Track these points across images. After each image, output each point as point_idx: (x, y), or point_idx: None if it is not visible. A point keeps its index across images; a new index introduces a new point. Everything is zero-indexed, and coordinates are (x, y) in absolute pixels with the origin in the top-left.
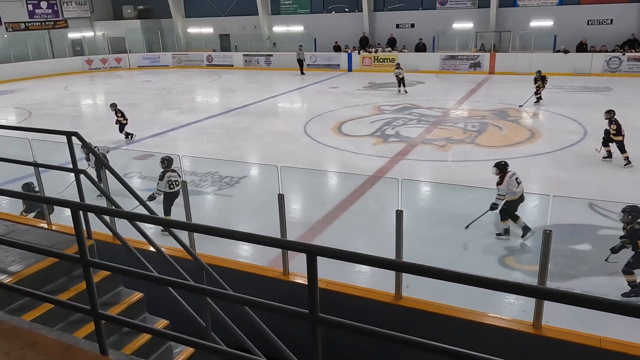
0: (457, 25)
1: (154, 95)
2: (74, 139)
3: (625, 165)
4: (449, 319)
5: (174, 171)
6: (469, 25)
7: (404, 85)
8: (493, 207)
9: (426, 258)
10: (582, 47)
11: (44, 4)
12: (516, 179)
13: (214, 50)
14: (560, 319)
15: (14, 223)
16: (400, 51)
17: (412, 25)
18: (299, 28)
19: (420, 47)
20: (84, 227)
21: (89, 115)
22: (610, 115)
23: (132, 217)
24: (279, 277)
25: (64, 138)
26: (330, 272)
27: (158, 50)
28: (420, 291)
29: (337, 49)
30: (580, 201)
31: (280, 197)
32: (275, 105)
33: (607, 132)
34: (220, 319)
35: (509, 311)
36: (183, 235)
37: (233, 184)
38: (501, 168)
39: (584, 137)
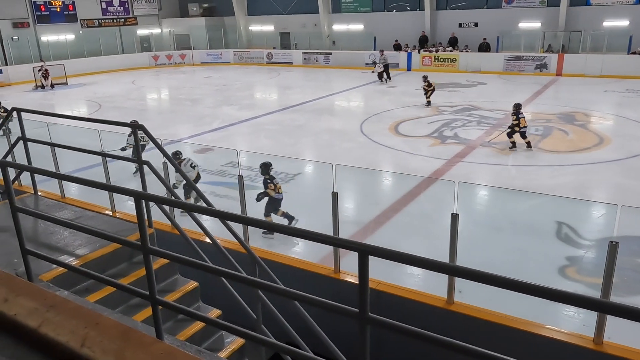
0: (524, 25)
1: (215, 91)
2: (140, 131)
3: (510, 148)
4: (503, 327)
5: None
6: (536, 24)
7: (388, 76)
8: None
9: (481, 264)
10: None
11: (116, 2)
12: (191, 164)
13: (274, 48)
14: (624, 336)
15: (82, 209)
16: (462, 51)
17: (476, 25)
18: (359, 26)
19: (484, 47)
20: (146, 216)
21: (154, 109)
22: (516, 109)
23: (190, 208)
24: (329, 275)
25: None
26: (381, 272)
27: (220, 47)
28: (473, 297)
29: (397, 47)
30: None
31: (334, 195)
32: (332, 104)
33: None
34: (270, 313)
35: (568, 324)
36: (237, 228)
37: (288, 180)
38: (177, 157)
39: None
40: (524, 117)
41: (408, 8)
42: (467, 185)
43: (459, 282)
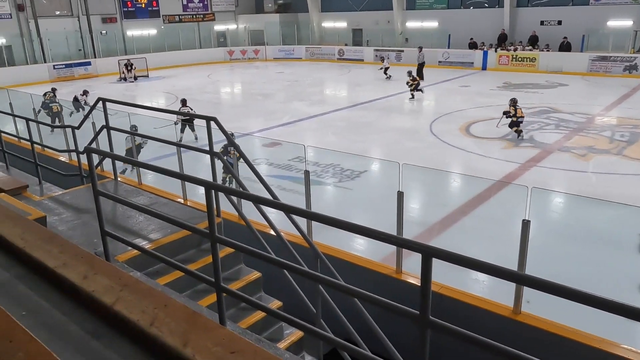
0: (613, 23)
1: (286, 86)
2: (213, 123)
3: (518, 137)
4: (573, 343)
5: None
6: (627, 22)
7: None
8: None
9: (553, 274)
10: None
11: None
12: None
13: (346, 45)
14: None
15: (157, 196)
16: (542, 50)
17: (559, 23)
18: (433, 24)
19: (564, 47)
20: (214, 206)
21: (227, 102)
22: (512, 102)
23: (257, 200)
24: (391, 275)
25: (203, 122)
26: (445, 275)
27: (293, 43)
28: (542, 309)
29: (472, 46)
30: None
31: (400, 195)
32: (402, 102)
33: (509, 115)
34: (330, 308)
35: None
36: (301, 222)
37: (353, 178)
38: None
39: None
40: (520, 108)
41: (486, 5)
42: (542, 191)
43: (528, 291)
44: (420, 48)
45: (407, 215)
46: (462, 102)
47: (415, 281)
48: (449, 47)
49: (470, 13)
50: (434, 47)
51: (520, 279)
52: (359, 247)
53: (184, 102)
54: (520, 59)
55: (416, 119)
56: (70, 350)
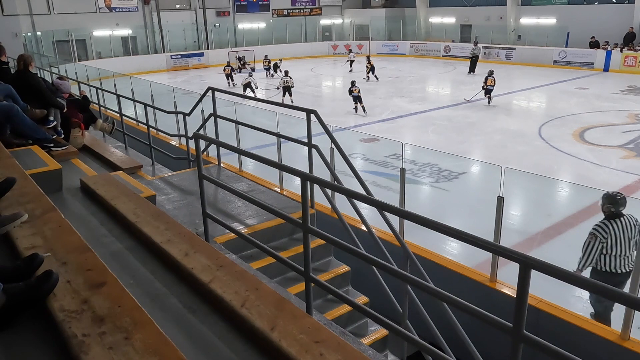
0: None
1: (388, 82)
2: (312, 116)
3: (489, 102)
4: None
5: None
6: None
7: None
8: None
9: None
10: None
11: None
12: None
13: (453, 41)
14: None
15: (255, 183)
16: None
17: None
18: (550, 20)
19: None
20: (309, 197)
21: (328, 96)
22: (489, 73)
23: (351, 195)
24: (484, 282)
25: (304, 114)
26: (543, 289)
27: (398, 38)
28: None
29: (593, 44)
30: None
31: (500, 200)
32: (509, 102)
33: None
34: (416, 310)
35: None
36: (394, 220)
37: (451, 179)
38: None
39: None
40: (491, 78)
41: (614, 0)
42: None
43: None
44: (476, 42)
45: (506, 222)
46: (577, 106)
47: (510, 292)
48: (566, 46)
49: (594, 9)
50: (549, 46)
51: (631, 302)
52: (452, 251)
53: (286, 73)
54: None
55: (524, 121)
56: (168, 320)
